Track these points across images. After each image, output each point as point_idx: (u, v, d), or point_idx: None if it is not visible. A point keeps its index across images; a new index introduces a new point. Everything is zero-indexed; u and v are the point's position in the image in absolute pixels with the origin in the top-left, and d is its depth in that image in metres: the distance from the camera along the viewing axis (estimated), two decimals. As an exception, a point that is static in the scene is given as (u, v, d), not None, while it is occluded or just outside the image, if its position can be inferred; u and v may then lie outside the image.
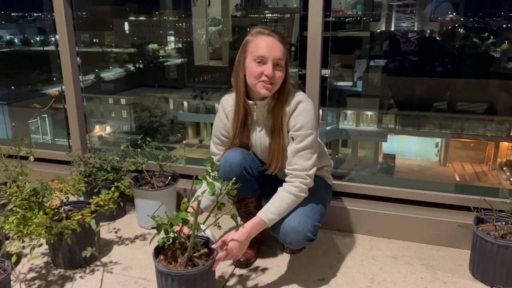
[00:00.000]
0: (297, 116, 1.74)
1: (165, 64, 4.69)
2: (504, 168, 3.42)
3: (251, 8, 4.04)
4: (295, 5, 3.73)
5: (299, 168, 1.73)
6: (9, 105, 4.46)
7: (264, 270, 1.95)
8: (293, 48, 2.89)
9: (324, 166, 2.00)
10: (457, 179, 3.41)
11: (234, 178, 1.62)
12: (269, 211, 1.70)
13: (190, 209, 1.64)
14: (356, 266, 1.98)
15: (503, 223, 1.84)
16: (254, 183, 1.88)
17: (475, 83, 3.31)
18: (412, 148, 3.94)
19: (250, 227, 1.69)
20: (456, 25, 3.36)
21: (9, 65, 4.61)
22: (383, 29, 3.52)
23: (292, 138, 1.75)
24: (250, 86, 1.74)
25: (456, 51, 3.43)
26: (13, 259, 1.63)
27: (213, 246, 1.67)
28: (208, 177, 1.58)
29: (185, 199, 1.59)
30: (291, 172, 1.75)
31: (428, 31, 3.46)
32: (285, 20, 3.76)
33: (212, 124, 1.96)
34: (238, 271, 1.94)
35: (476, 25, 3.38)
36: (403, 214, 2.16)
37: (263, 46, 1.67)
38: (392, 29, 3.46)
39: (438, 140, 3.77)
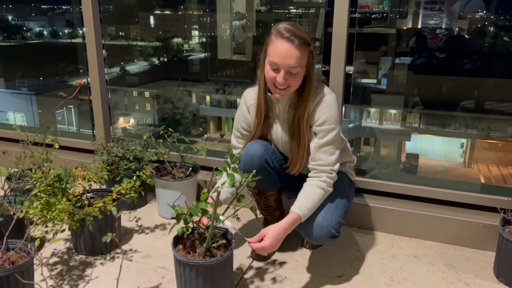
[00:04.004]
0: (320, 111, 1.71)
1: (189, 58, 4.71)
2: (533, 171, 3.31)
3: (275, 3, 4.01)
4: (320, 0, 3.69)
5: (324, 163, 1.71)
6: (37, 95, 4.57)
7: (282, 264, 1.94)
8: (317, 43, 2.86)
9: (347, 162, 1.97)
10: (483, 181, 3.32)
11: (254, 170, 1.62)
12: (305, 207, 1.67)
13: (209, 200, 1.64)
14: (376, 264, 1.95)
15: (531, 225, 1.79)
16: (275, 176, 1.87)
17: (504, 83, 3.21)
18: (436, 148, 3.85)
19: (289, 223, 1.65)
20: (486, 23, 3.26)
21: (38, 57, 4.72)
22: (410, 26, 3.44)
23: (315, 133, 1.73)
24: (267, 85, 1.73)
25: (485, 49, 3.34)
26: (37, 243, 1.66)
27: (249, 240, 1.63)
28: (228, 169, 1.58)
29: (205, 190, 1.60)
30: (316, 167, 1.73)
31: (457, 28, 3.37)
32: (310, 15, 3.72)
33: (233, 119, 1.95)
34: (256, 263, 1.94)
35: (507, 23, 3.28)
36: (426, 213, 2.12)
37: (278, 52, 1.62)
38: (419, 26, 3.38)
39: (464, 140, 3.68)
